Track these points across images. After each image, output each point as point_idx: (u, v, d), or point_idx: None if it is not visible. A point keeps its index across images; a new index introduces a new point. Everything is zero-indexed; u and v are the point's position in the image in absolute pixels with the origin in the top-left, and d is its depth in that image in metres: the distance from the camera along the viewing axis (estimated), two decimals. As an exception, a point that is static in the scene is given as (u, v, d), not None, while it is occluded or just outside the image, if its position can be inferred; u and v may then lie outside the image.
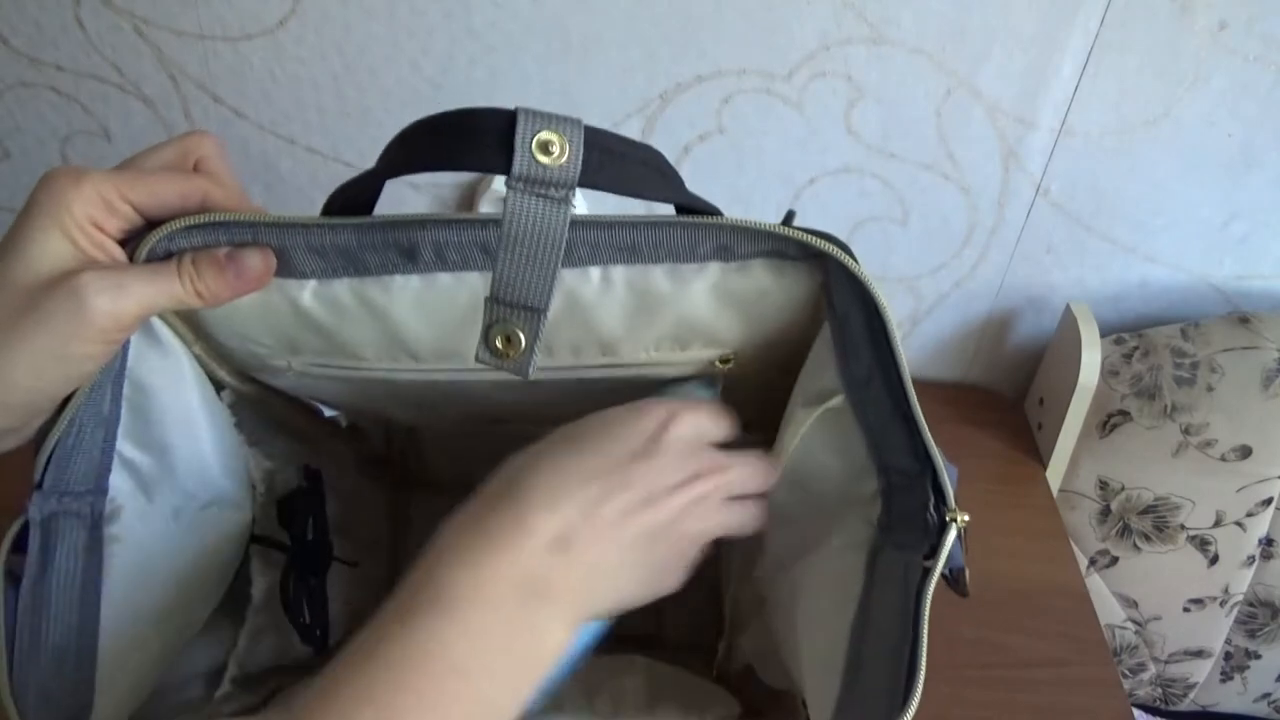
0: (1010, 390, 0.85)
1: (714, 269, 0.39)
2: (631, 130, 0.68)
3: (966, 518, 0.36)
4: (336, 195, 0.37)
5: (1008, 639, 0.63)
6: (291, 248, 0.36)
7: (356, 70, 0.66)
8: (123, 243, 0.35)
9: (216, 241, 0.36)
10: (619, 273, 0.39)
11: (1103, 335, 0.72)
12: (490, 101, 0.35)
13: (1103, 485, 0.74)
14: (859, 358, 0.38)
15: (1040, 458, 0.76)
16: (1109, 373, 0.73)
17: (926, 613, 0.34)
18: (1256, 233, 0.72)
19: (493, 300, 0.34)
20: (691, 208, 0.37)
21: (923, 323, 0.80)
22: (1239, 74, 0.63)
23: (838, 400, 0.40)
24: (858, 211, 0.73)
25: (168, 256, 0.35)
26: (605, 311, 0.40)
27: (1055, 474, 0.76)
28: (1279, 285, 0.75)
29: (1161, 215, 0.71)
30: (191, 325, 0.42)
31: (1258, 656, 0.77)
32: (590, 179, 0.32)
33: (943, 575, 0.36)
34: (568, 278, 0.39)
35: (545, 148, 0.31)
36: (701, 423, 0.37)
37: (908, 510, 0.37)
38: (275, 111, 0.69)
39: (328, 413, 0.53)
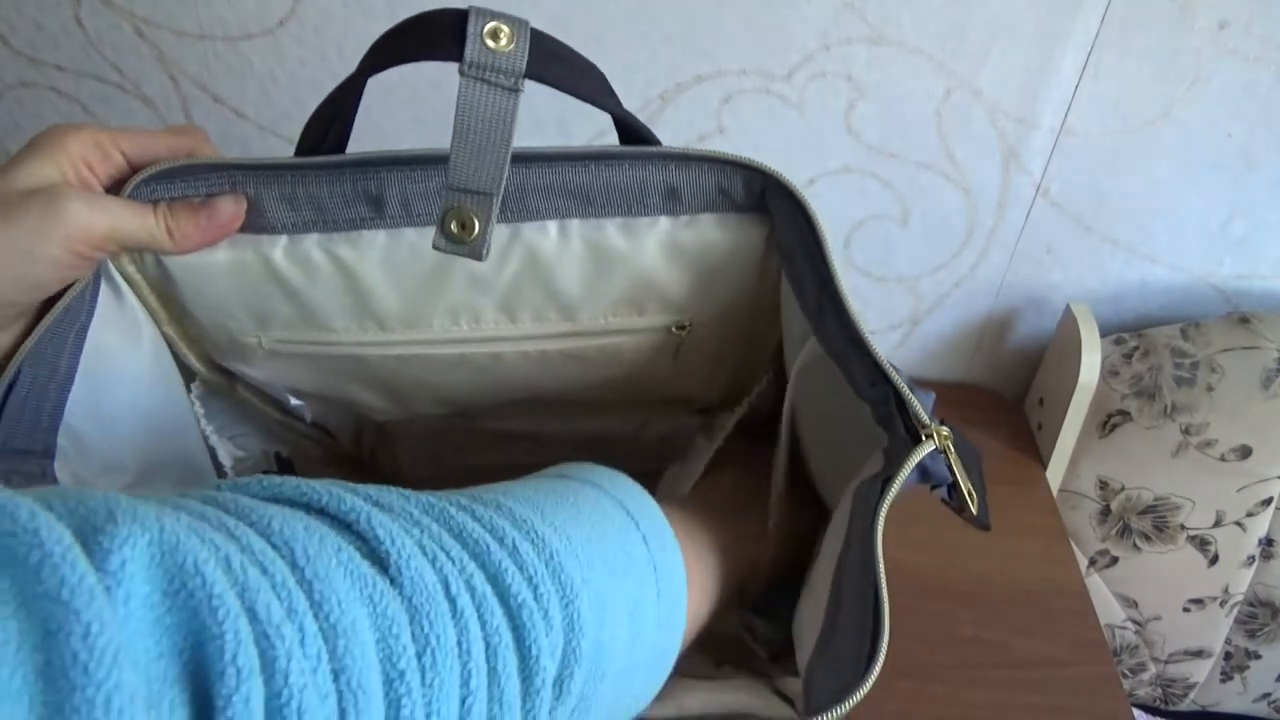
0: (1010, 390, 0.85)
1: (664, 224, 0.41)
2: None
3: (946, 431, 0.34)
4: (323, 104, 0.39)
5: (1008, 639, 0.63)
6: (265, 197, 0.39)
7: (356, 70, 0.66)
8: (109, 191, 0.37)
9: (197, 193, 0.38)
10: (575, 227, 0.41)
11: (1103, 335, 0.72)
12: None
13: (1103, 485, 0.74)
14: (807, 288, 0.39)
15: (1040, 458, 0.76)
16: (1109, 373, 0.73)
17: (880, 531, 0.32)
18: (1256, 233, 0.72)
19: (448, 187, 0.36)
20: (628, 123, 0.40)
21: (923, 323, 0.80)
22: (1239, 74, 0.63)
23: (813, 341, 0.40)
24: (858, 211, 0.73)
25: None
26: (564, 269, 0.43)
27: (1055, 474, 0.76)
28: (1279, 285, 0.75)
29: (1161, 215, 0.71)
30: (165, 300, 0.43)
31: (1258, 656, 0.77)
32: (537, 72, 0.35)
33: (945, 501, 0.34)
34: (527, 233, 0.41)
35: (495, 34, 0.34)
36: None
37: (897, 439, 0.36)
38: (275, 111, 0.69)
39: (293, 401, 0.53)
